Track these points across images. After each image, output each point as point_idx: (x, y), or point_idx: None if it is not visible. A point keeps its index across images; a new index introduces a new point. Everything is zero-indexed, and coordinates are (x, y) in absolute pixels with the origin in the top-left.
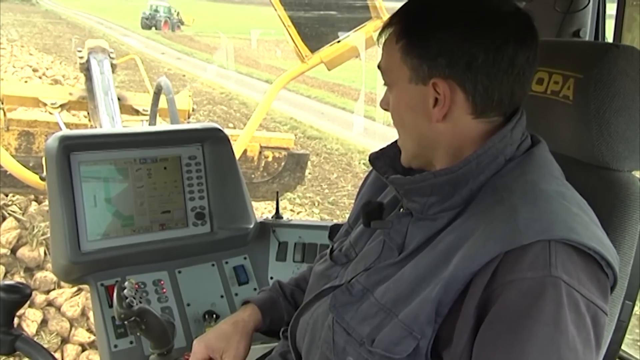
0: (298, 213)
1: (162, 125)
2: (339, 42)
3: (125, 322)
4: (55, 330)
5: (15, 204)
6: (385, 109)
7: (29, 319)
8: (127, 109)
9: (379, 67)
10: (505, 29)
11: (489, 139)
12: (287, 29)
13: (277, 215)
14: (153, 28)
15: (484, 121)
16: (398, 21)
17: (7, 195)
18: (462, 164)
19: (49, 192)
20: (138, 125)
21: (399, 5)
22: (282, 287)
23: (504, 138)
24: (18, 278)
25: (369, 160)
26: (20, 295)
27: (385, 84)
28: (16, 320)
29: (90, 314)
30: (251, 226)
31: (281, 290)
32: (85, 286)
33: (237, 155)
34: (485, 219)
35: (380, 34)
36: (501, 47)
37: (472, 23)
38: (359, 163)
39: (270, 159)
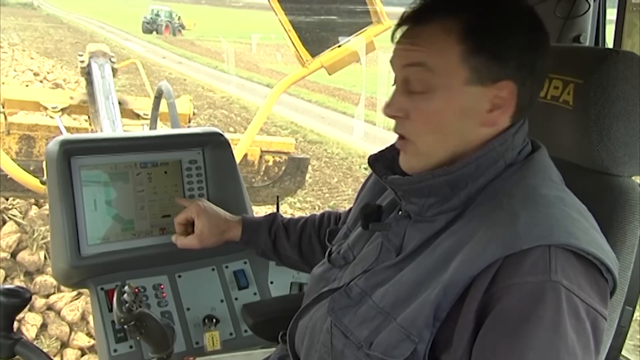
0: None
1: (163, 129)
2: (339, 46)
3: (125, 327)
4: (55, 335)
5: (15, 208)
6: (394, 116)
7: (29, 323)
8: (127, 113)
9: (411, 65)
10: (546, 34)
11: (490, 142)
12: (287, 34)
13: None
14: (154, 32)
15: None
16: (459, 19)
17: (7, 199)
18: (461, 165)
19: (49, 196)
20: (139, 129)
21: (399, 10)
22: (272, 221)
23: (505, 142)
24: (18, 282)
25: (368, 162)
26: (20, 300)
27: (409, 88)
28: (16, 324)
29: (90, 318)
30: None
31: (269, 223)
32: (85, 290)
33: (238, 159)
34: (485, 223)
35: (412, 31)
36: (546, 54)
37: (533, 27)
38: (360, 167)
39: (270, 163)
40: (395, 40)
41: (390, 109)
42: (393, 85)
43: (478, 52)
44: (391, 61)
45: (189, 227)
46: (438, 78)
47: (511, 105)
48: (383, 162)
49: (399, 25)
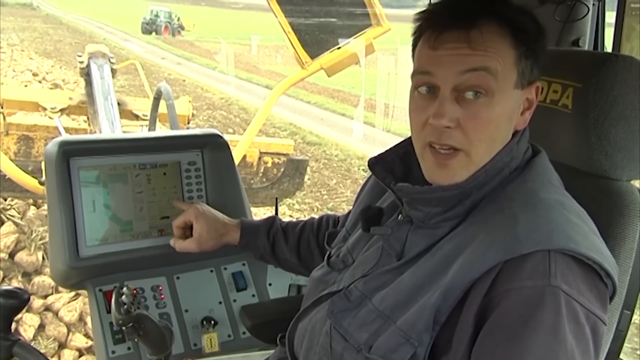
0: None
1: (162, 130)
2: (339, 48)
3: (123, 328)
4: (52, 335)
5: (13, 208)
6: (446, 127)
7: (27, 324)
8: (126, 114)
9: (474, 70)
10: None
11: (498, 154)
12: (287, 35)
13: None
14: (153, 33)
15: None
16: (506, 23)
17: (5, 200)
18: (472, 180)
19: (48, 197)
20: (138, 130)
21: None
22: (271, 224)
23: (510, 152)
24: (16, 283)
25: (368, 165)
26: (18, 301)
27: (461, 95)
28: (13, 324)
29: (88, 319)
30: None
31: (267, 227)
32: (83, 291)
33: (237, 160)
34: (486, 227)
35: (466, 36)
36: None
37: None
38: (358, 169)
39: (269, 164)
40: (431, 46)
41: (444, 120)
42: (424, 91)
43: (528, 56)
44: (429, 70)
45: (187, 231)
46: (497, 83)
47: (534, 105)
48: (383, 165)
49: (439, 30)
